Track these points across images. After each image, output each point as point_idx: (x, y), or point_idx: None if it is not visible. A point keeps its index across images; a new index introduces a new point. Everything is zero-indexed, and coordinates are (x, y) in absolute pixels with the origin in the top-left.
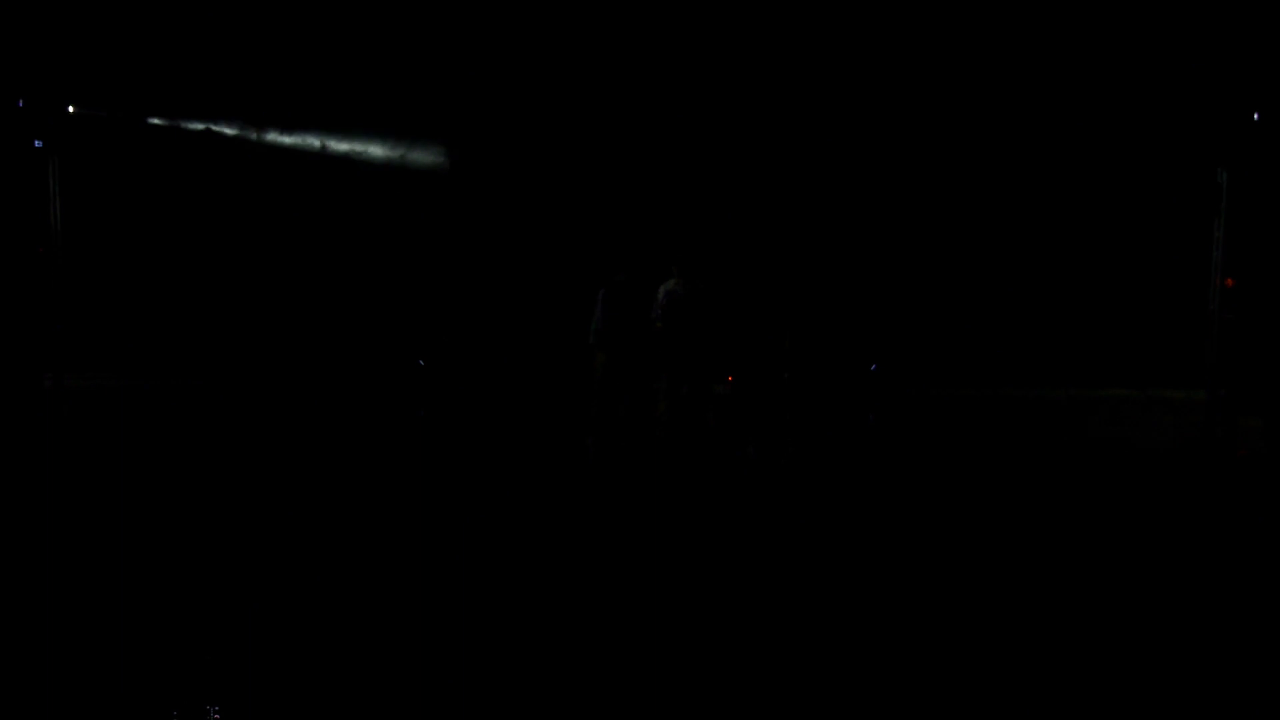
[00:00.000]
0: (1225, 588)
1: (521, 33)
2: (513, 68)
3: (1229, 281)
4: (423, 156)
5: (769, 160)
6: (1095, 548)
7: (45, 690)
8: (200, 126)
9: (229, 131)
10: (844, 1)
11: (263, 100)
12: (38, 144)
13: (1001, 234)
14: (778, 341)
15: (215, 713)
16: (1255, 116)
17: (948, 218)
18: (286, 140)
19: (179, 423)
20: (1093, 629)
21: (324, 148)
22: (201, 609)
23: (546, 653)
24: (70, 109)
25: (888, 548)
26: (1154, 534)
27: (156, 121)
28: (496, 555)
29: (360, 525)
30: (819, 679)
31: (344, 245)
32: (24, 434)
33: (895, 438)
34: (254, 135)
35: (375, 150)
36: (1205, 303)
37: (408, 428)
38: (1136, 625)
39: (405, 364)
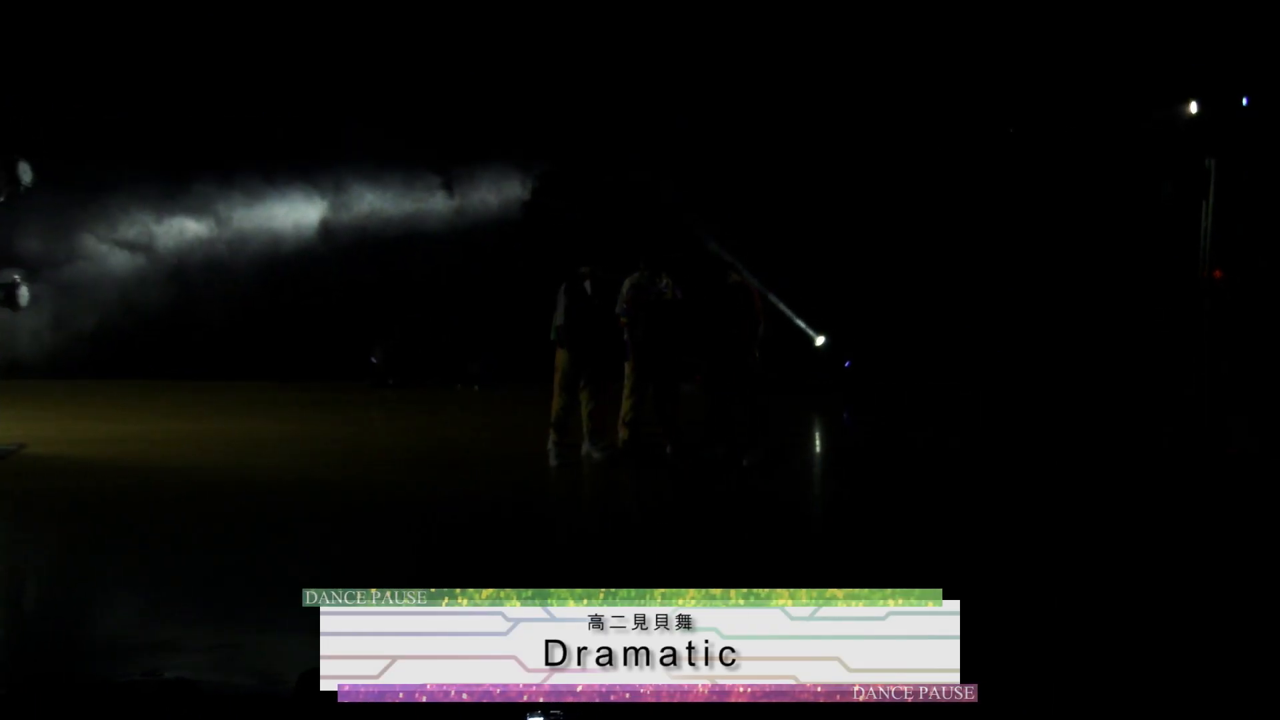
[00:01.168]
0: (1216, 582)
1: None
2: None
3: (1217, 273)
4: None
5: (744, 158)
6: (1088, 543)
7: None
8: None
9: None
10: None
11: None
12: None
13: (988, 232)
14: (747, 340)
15: None
16: (1244, 101)
17: (933, 220)
18: None
19: None
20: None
21: None
22: None
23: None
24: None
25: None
26: (1144, 530)
27: None
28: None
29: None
30: None
31: None
32: None
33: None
34: None
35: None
36: (1193, 297)
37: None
38: (1124, 619)
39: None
